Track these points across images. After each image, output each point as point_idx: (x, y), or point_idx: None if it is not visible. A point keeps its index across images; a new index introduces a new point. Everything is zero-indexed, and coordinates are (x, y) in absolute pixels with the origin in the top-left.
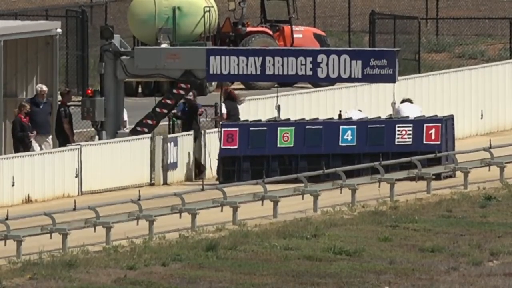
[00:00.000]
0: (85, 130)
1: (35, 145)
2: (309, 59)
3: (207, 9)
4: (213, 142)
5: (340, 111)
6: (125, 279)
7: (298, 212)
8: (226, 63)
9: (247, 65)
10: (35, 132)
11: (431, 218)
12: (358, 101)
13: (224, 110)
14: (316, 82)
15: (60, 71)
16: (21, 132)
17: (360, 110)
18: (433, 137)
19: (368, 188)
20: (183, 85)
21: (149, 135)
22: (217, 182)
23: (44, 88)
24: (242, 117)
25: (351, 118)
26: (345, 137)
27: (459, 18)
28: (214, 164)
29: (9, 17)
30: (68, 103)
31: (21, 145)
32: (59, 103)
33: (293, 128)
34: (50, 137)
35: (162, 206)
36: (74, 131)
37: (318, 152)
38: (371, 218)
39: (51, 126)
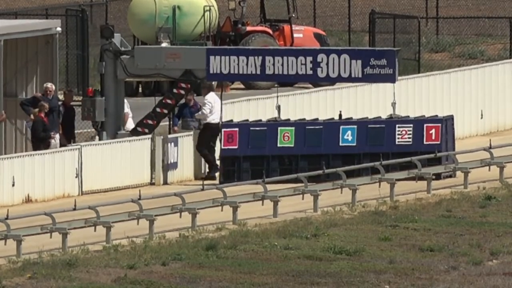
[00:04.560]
0: (85, 130)
1: (55, 143)
2: (309, 58)
3: (207, 8)
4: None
5: (340, 111)
6: (125, 279)
7: (298, 212)
8: (226, 62)
9: (247, 64)
10: (54, 132)
11: (431, 218)
12: (358, 101)
13: None
14: (316, 82)
15: (60, 71)
16: (43, 132)
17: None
18: (433, 137)
19: (368, 188)
20: (183, 85)
21: (150, 135)
22: (217, 182)
23: (50, 85)
24: (243, 117)
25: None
26: (345, 137)
27: (459, 17)
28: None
29: (9, 16)
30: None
31: (43, 145)
32: (60, 103)
33: (293, 128)
34: (57, 136)
35: (162, 205)
36: (75, 131)
37: (318, 152)
38: (371, 218)
39: (58, 125)
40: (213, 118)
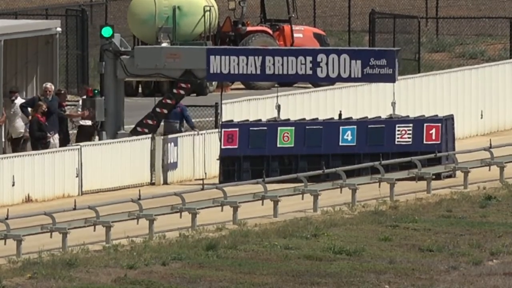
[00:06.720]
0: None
1: (54, 143)
2: (309, 58)
3: (207, 8)
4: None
5: (340, 111)
6: (125, 279)
7: (298, 212)
8: (226, 62)
9: (247, 64)
10: (53, 132)
11: (431, 218)
12: (358, 101)
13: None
14: (316, 81)
15: (60, 71)
16: (39, 132)
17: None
18: (433, 137)
19: (368, 188)
20: (183, 85)
21: (150, 135)
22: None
23: (49, 85)
24: (243, 117)
25: None
26: (345, 137)
27: (459, 17)
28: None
29: (9, 16)
30: (63, 103)
31: (40, 144)
32: None
33: (293, 128)
34: (57, 135)
35: (162, 205)
36: (74, 131)
37: (318, 152)
38: (371, 218)
39: (57, 126)
40: (87, 120)
